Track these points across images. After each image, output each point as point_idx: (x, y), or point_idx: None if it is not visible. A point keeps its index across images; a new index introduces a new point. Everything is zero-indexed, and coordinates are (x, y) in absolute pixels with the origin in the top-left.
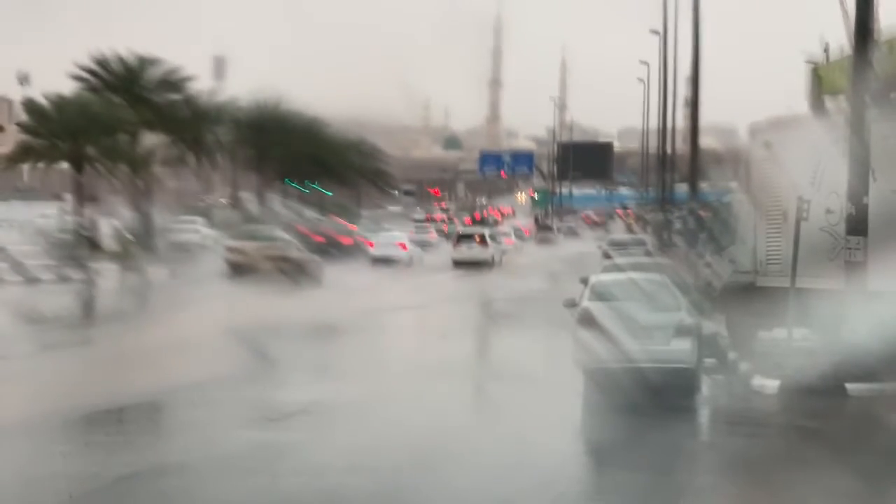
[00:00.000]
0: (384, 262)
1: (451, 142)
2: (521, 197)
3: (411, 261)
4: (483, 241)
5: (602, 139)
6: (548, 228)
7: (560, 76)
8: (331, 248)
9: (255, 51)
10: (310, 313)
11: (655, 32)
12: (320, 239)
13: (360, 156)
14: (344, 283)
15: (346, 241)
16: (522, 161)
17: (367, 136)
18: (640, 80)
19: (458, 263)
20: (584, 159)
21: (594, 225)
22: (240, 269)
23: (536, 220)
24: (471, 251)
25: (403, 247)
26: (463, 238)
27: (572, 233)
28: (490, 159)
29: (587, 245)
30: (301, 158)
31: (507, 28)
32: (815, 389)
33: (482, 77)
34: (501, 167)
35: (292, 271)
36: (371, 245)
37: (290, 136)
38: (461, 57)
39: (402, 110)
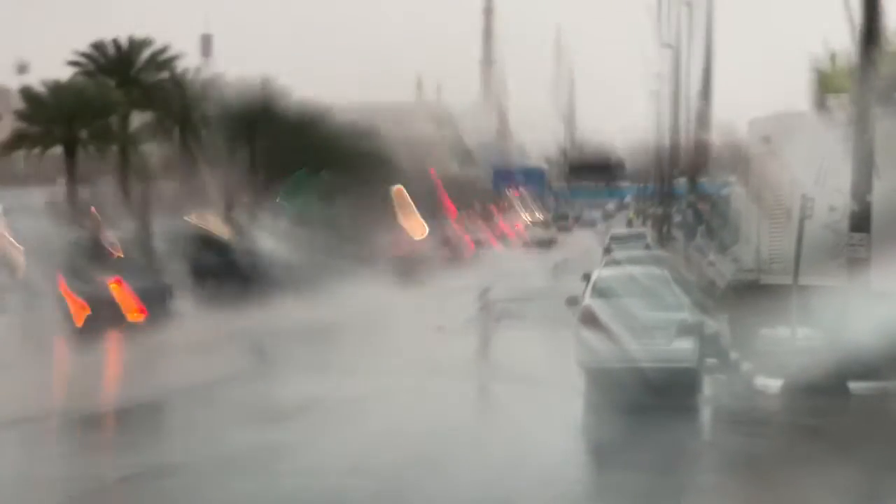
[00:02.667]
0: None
1: (466, 158)
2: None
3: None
4: (548, 227)
5: (603, 136)
6: (564, 217)
7: (568, 91)
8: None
9: (244, 31)
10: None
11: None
12: None
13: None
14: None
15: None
16: (534, 178)
17: (374, 121)
18: (641, 75)
19: (533, 242)
20: (594, 175)
21: (608, 217)
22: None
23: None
24: (540, 233)
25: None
26: (535, 225)
27: (591, 224)
28: (502, 175)
29: (597, 234)
30: (295, 158)
31: (503, 26)
32: (817, 388)
33: (480, 66)
34: (514, 185)
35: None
36: None
37: (284, 130)
38: (459, 49)
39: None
